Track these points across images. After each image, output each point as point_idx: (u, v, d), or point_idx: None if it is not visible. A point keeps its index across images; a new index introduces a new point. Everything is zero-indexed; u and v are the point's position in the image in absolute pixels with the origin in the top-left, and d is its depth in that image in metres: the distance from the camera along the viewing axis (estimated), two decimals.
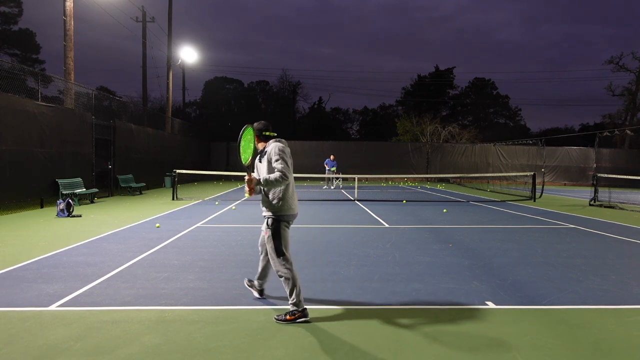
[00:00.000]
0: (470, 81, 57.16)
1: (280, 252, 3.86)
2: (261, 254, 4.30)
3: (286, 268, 3.83)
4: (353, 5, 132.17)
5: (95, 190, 14.01)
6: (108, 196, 15.86)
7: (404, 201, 15.48)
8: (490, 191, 21.52)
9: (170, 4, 26.28)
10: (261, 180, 3.76)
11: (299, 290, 3.81)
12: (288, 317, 3.78)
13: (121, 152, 17.20)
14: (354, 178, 18.19)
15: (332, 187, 22.43)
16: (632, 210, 13.29)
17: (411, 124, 37.75)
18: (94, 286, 4.80)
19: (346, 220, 10.37)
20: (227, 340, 3.42)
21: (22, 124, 11.43)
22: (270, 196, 3.89)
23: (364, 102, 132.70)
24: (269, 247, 3.91)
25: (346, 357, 3.18)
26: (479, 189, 23.11)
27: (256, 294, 4.45)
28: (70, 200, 10.36)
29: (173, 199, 14.88)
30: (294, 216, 3.99)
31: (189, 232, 8.40)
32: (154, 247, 6.87)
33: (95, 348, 3.25)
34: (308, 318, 3.80)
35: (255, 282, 4.43)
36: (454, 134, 36.23)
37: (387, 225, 9.55)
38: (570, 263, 6.17)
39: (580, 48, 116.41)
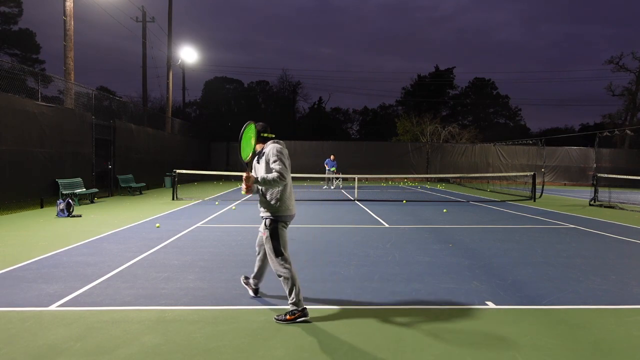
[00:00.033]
0: (470, 81, 57.22)
1: (278, 252, 3.88)
2: (258, 254, 4.34)
3: (285, 268, 3.85)
4: (353, 5, 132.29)
5: (95, 190, 14.01)
6: (108, 196, 15.86)
7: (404, 201, 15.48)
8: (490, 191, 21.52)
9: (170, 4, 26.28)
10: (259, 179, 3.77)
11: (298, 289, 3.82)
12: (288, 316, 3.78)
13: (121, 152, 17.20)
14: (354, 178, 18.19)
15: (332, 187, 22.43)
16: (632, 210, 13.29)
17: (411, 124, 37.76)
18: (94, 286, 4.80)
19: (346, 220, 10.37)
20: (227, 340, 3.42)
21: (22, 124, 11.43)
22: (268, 197, 3.91)
23: (364, 102, 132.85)
24: (268, 247, 3.93)
25: (346, 357, 3.18)
26: (479, 189, 23.11)
27: (251, 293, 4.49)
28: (70, 200, 10.35)
29: (173, 199, 14.88)
30: (291, 217, 4.03)
31: (189, 232, 8.40)
32: (154, 247, 6.87)
33: (95, 348, 3.25)
34: (308, 317, 3.81)
35: (251, 281, 4.47)
36: (454, 134, 36.24)
37: (387, 225, 9.55)
38: (570, 263, 6.17)
39: (580, 48, 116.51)
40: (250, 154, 3.91)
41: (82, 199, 13.45)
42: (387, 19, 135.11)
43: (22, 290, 4.64)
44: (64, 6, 14.99)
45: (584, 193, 20.60)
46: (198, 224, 9.37)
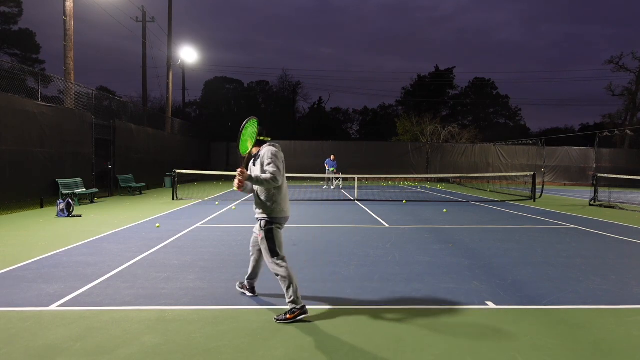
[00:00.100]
0: (470, 81, 57.21)
1: (274, 252, 3.93)
2: (252, 254, 4.37)
3: (281, 267, 3.89)
4: (353, 5, 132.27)
5: (95, 190, 14.01)
6: (108, 196, 15.86)
7: (404, 201, 15.48)
8: (490, 191, 21.52)
9: (170, 4, 26.28)
10: (252, 176, 3.80)
11: (296, 287, 3.85)
12: (288, 315, 3.80)
13: (121, 152, 17.20)
14: (354, 178, 18.19)
15: (332, 187, 22.43)
16: (632, 210, 13.29)
17: (411, 124, 37.75)
18: (94, 286, 4.80)
19: (346, 220, 10.37)
20: (227, 340, 3.42)
21: (22, 124, 11.43)
22: (263, 198, 3.95)
23: (364, 102, 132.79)
24: (263, 248, 3.97)
25: (346, 357, 3.18)
26: (479, 189, 23.11)
27: (248, 293, 4.51)
28: (70, 200, 10.36)
29: (173, 199, 14.88)
30: (285, 219, 4.08)
31: (189, 232, 8.40)
32: (154, 247, 6.87)
33: (95, 348, 3.25)
34: (308, 314, 3.83)
35: (246, 282, 4.51)
36: (454, 134, 36.23)
37: (387, 225, 9.55)
38: (570, 263, 6.17)
39: (580, 48, 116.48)
40: (249, 150, 3.94)
41: (82, 199, 13.45)
42: (387, 19, 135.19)
43: (22, 290, 4.64)
44: (64, 6, 14.99)
45: (584, 193, 20.60)
46: (198, 224, 9.37)
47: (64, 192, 12.44)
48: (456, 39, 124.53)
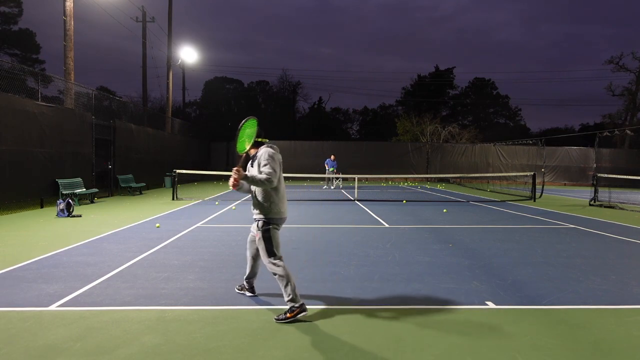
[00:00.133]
0: (470, 81, 57.23)
1: (271, 253, 3.96)
2: (248, 252, 4.39)
3: (278, 266, 3.92)
4: (353, 5, 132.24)
5: (95, 190, 14.01)
6: (108, 196, 15.86)
7: (404, 201, 15.48)
8: (490, 191, 21.52)
9: (170, 4, 26.29)
10: (248, 175, 3.82)
11: (294, 285, 3.88)
12: (288, 314, 3.81)
13: (121, 152, 17.20)
14: (354, 178, 18.19)
15: (332, 187, 22.43)
16: (632, 210, 13.29)
17: (411, 124, 37.75)
18: (94, 286, 4.80)
19: (346, 220, 10.37)
20: (227, 340, 3.42)
21: (22, 124, 11.43)
22: (261, 199, 3.98)
23: (364, 102, 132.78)
24: (261, 248, 4.00)
25: (346, 357, 3.18)
26: (479, 189, 23.11)
27: (248, 293, 4.53)
28: (70, 200, 10.36)
29: (173, 199, 14.88)
30: (283, 220, 4.09)
31: (189, 232, 8.40)
32: (154, 247, 6.87)
33: (95, 348, 3.25)
34: (307, 312, 3.86)
35: (245, 283, 4.52)
36: (454, 134, 36.23)
37: (387, 225, 9.55)
38: (570, 263, 6.17)
39: (580, 48, 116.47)
40: (246, 151, 3.96)
41: (82, 199, 13.45)
42: (387, 19, 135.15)
43: (22, 290, 4.64)
44: (64, 6, 14.99)
45: (584, 193, 20.60)
46: (198, 224, 9.37)
47: (64, 192, 12.44)
48: (456, 39, 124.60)
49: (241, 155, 3.96)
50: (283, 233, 8.22)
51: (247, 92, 55.30)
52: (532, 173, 17.63)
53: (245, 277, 4.49)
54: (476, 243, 7.59)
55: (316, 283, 5.02)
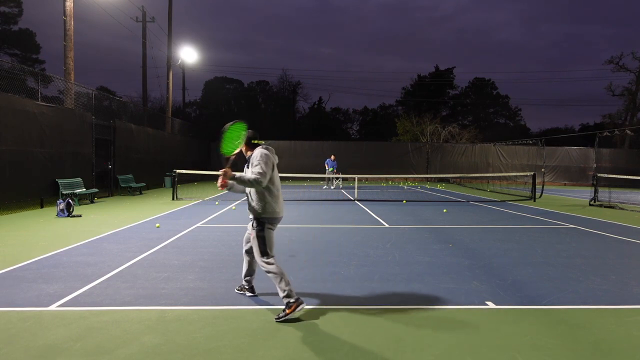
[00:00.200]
0: (470, 81, 57.27)
1: (264, 252, 4.01)
2: (245, 251, 4.41)
3: (270, 265, 3.97)
4: (353, 5, 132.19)
5: (95, 190, 14.01)
6: (108, 196, 15.86)
7: (404, 201, 15.48)
8: (490, 191, 21.52)
9: (170, 4, 26.28)
10: (236, 176, 3.86)
11: (287, 280, 3.92)
12: (287, 310, 3.84)
13: (121, 152, 17.20)
14: (354, 178, 18.19)
15: (332, 187, 22.43)
16: (632, 210, 13.29)
17: (411, 124, 37.77)
18: (94, 286, 4.80)
19: (346, 220, 10.37)
20: (227, 340, 3.42)
21: (22, 124, 11.43)
22: (255, 199, 4.02)
23: (364, 102, 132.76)
24: (254, 247, 4.06)
25: (346, 357, 3.18)
26: (479, 189, 23.11)
27: (248, 293, 4.54)
28: (70, 200, 10.36)
29: (173, 199, 14.88)
30: (277, 219, 4.12)
31: (189, 232, 8.40)
32: (154, 247, 6.87)
33: (95, 348, 3.25)
34: (304, 304, 3.91)
35: (244, 282, 4.54)
36: (454, 134, 36.24)
37: (387, 225, 9.55)
38: (570, 263, 6.17)
39: (580, 48, 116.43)
40: (235, 153, 3.98)
41: (82, 199, 13.45)
42: (387, 19, 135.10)
43: (22, 290, 4.64)
44: (64, 6, 14.99)
45: (584, 193, 20.60)
46: (198, 224, 9.37)
47: (64, 192, 12.44)
48: (456, 39, 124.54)
49: (228, 157, 3.98)
50: (283, 233, 8.25)
51: (247, 92, 55.31)
52: (532, 173, 17.63)
53: (243, 275, 4.50)
54: (476, 243, 7.59)
55: (316, 283, 5.02)
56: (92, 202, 13.63)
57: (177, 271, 5.46)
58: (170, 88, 26.57)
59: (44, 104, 12.50)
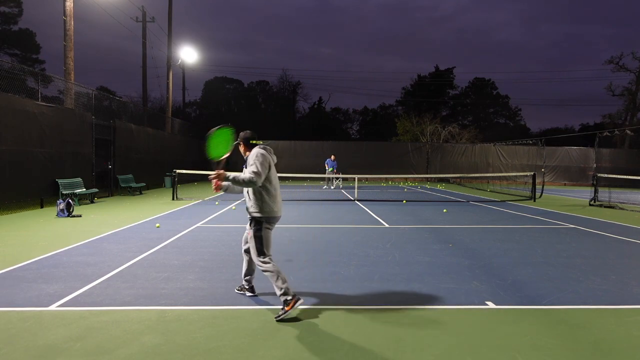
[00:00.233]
0: (470, 81, 57.27)
1: (260, 252, 4.04)
2: (244, 251, 4.44)
3: (267, 264, 4.00)
4: (353, 5, 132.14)
5: (95, 190, 14.01)
6: (108, 196, 15.86)
7: (404, 201, 15.48)
8: (490, 191, 21.52)
9: (170, 4, 26.28)
10: (229, 177, 3.91)
11: (284, 278, 3.95)
12: (286, 308, 3.85)
13: (121, 152, 17.20)
14: (354, 178, 18.19)
15: (332, 187, 22.43)
16: (632, 210, 13.29)
17: (411, 124, 37.77)
18: (94, 286, 4.80)
19: (346, 220, 10.37)
20: (227, 340, 3.42)
21: (22, 124, 11.43)
22: (252, 198, 4.07)
23: (364, 102, 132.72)
24: (251, 246, 4.09)
25: (346, 357, 3.18)
26: (479, 189, 23.11)
27: (248, 293, 4.54)
28: (70, 200, 10.36)
29: (173, 199, 14.88)
30: (275, 218, 4.14)
31: (189, 232, 8.40)
32: (154, 247, 6.87)
33: (95, 348, 3.25)
34: (302, 300, 3.94)
35: (244, 282, 4.54)
36: (454, 134, 36.24)
37: (387, 225, 9.55)
38: (570, 263, 6.17)
39: (580, 48, 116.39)
40: (223, 157, 4.11)
41: (82, 199, 13.45)
42: (387, 19, 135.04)
43: (22, 290, 4.64)
44: (64, 6, 14.99)
45: (584, 193, 20.60)
46: (198, 224, 9.37)
47: (64, 192, 12.44)
48: (456, 39, 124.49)
49: (219, 162, 4.07)
50: (283, 233, 8.25)
51: (247, 92, 55.29)
52: (532, 173, 17.63)
53: (243, 275, 4.51)
54: (476, 243, 7.59)
55: (316, 283, 5.02)
56: (92, 202, 13.63)
57: (177, 271, 5.46)
58: (170, 88, 26.57)
59: (44, 104, 12.50)
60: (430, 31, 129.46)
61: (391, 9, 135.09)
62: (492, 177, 25.31)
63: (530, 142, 27.78)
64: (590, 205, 14.88)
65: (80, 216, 10.35)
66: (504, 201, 16.12)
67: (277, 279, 3.93)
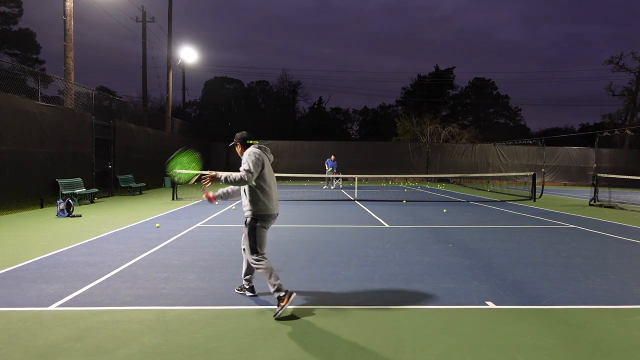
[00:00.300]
0: (470, 81, 57.21)
1: (254, 250, 4.11)
2: (243, 250, 4.45)
3: (260, 262, 4.07)
4: (353, 5, 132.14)
5: (95, 190, 14.01)
6: (108, 196, 15.86)
7: (404, 201, 15.48)
8: (490, 191, 21.52)
9: (170, 4, 26.28)
10: (222, 178, 3.96)
11: (277, 275, 4.03)
12: (282, 303, 3.90)
13: (121, 152, 17.20)
14: (354, 178, 18.18)
15: (332, 187, 22.43)
16: (632, 210, 13.29)
17: (411, 124, 37.75)
18: (94, 286, 4.80)
19: (346, 220, 10.37)
20: (227, 340, 3.42)
21: (22, 124, 11.43)
22: (247, 197, 4.13)
23: (364, 102, 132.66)
24: (245, 244, 4.17)
25: (346, 357, 3.18)
26: (479, 189, 23.11)
27: (248, 293, 4.55)
28: (70, 200, 10.36)
29: (173, 199, 14.88)
30: (270, 216, 4.19)
31: (189, 232, 8.40)
32: (154, 247, 6.87)
33: (95, 348, 3.25)
34: (295, 294, 3.99)
35: (244, 282, 4.56)
36: (454, 134, 36.23)
37: (387, 225, 9.55)
38: (570, 263, 6.17)
39: (580, 48, 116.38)
40: (193, 180, 4.33)
41: (82, 199, 13.45)
42: (387, 19, 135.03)
43: (22, 290, 4.64)
44: (64, 6, 14.99)
45: (584, 193, 20.60)
46: (198, 224, 9.37)
47: (64, 192, 12.44)
48: (456, 39, 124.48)
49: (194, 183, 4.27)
50: (283, 233, 8.25)
51: (247, 92, 55.26)
52: (532, 173, 17.63)
53: (243, 275, 4.51)
54: (476, 243, 7.59)
55: (316, 283, 5.02)
56: (92, 202, 13.63)
57: (177, 271, 5.46)
58: (170, 88, 26.56)
59: (44, 104, 12.50)
60: (430, 31, 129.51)
61: (391, 9, 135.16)
62: (492, 177, 25.31)
63: (530, 142, 27.78)
64: (590, 205, 14.88)
65: (80, 216, 10.35)
66: (504, 201, 16.12)
67: (270, 276, 3.99)
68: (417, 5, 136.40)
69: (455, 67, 68.49)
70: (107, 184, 16.49)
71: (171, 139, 24.17)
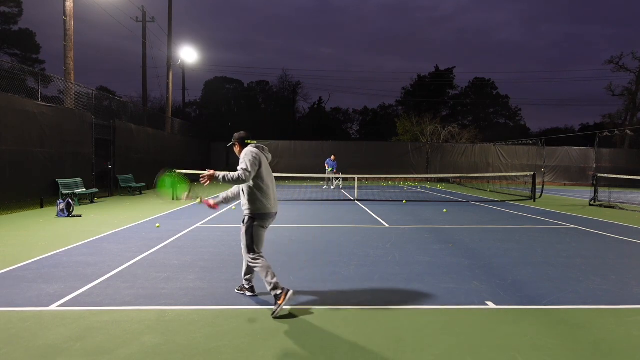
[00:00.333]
0: (470, 81, 57.21)
1: (251, 249, 4.16)
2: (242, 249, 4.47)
3: (256, 261, 4.12)
4: (353, 5, 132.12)
5: (95, 190, 14.01)
6: (108, 196, 15.86)
7: (404, 201, 15.48)
8: (490, 191, 21.52)
9: (170, 4, 26.27)
10: (220, 176, 3.98)
11: (273, 273, 4.05)
12: (279, 302, 3.92)
13: (121, 152, 17.19)
14: (354, 178, 18.18)
15: (332, 187, 22.43)
16: (632, 210, 13.29)
17: (411, 124, 37.75)
18: (94, 286, 4.80)
19: (346, 220, 10.37)
20: (227, 340, 3.42)
21: (22, 124, 11.43)
22: (245, 196, 4.18)
23: (364, 102, 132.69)
24: (242, 243, 4.21)
25: (346, 357, 3.18)
26: (479, 189, 23.11)
27: (248, 293, 4.55)
28: (70, 200, 10.36)
29: (173, 199, 14.85)
30: (268, 215, 4.21)
31: (189, 232, 8.40)
32: (154, 247, 6.87)
33: (95, 348, 3.25)
34: (292, 291, 4.01)
35: (244, 282, 4.56)
36: (454, 134, 36.23)
37: (387, 225, 9.55)
38: (570, 263, 6.17)
39: (580, 48, 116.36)
40: (186, 193, 4.63)
41: (82, 199, 13.45)
42: (387, 19, 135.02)
43: (22, 290, 4.64)
44: (64, 6, 14.99)
45: (584, 193, 20.60)
46: (198, 224, 9.37)
47: (64, 192, 12.44)
48: (456, 39, 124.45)
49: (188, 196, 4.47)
50: (283, 233, 8.25)
51: (247, 92, 55.26)
52: (532, 173, 17.63)
53: (243, 274, 4.51)
54: (476, 243, 7.59)
55: (316, 283, 5.02)
56: (92, 202, 13.63)
57: (177, 271, 5.46)
58: (170, 88, 26.56)
59: (44, 104, 12.50)
60: (430, 31, 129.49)
61: (391, 9, 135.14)
62: (492, 177, 25.31)
63: (530, 142, 27.78)
64: (590, 205, 14.88)
65: (80, 216, 10.35)
66: (504, 201, 16.12)
67: (267, 274, 4.01)
68: (417, 5, 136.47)
69: (455, 67, 68.55)
70: (107, 184, 16.48)
71: (171, 139, 24.17)
